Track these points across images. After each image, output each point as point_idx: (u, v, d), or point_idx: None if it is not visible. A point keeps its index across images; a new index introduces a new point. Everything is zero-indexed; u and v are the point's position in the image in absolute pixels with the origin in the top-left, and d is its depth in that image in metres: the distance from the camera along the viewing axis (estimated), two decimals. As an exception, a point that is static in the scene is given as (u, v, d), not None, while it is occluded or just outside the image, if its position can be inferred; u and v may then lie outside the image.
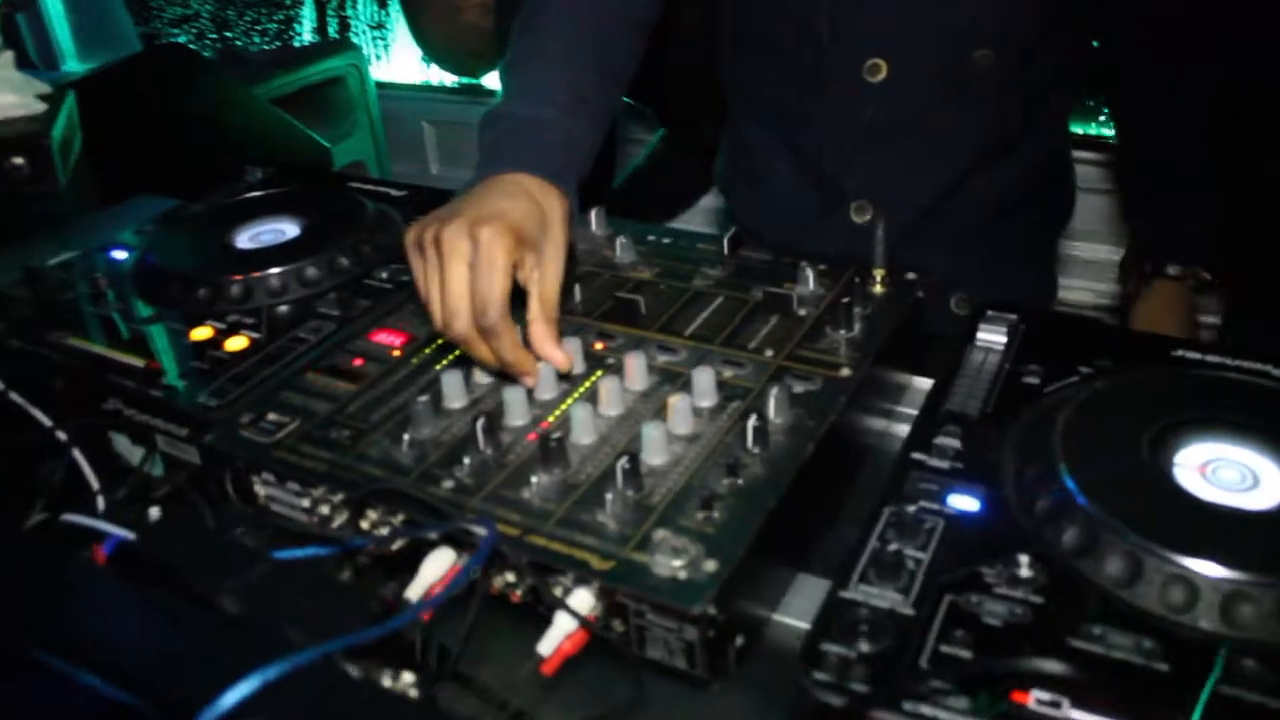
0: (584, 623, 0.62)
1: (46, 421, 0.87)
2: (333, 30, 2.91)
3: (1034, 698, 0.52)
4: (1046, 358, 0.79)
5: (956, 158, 1.16)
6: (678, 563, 0.62)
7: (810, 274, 0.91)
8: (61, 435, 0.86)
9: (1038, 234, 1.28)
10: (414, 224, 0.84)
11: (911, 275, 0.92)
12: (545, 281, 0.81)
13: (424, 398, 0.78)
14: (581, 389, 0.81)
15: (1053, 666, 0.53)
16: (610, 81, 1.07)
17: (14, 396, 0.88)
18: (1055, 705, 0.52)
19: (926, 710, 0.52)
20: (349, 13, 2.88)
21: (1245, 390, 0.73)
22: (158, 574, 0.56)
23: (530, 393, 0.79)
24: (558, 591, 0.64)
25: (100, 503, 0.79)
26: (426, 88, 2.88)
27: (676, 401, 0.75)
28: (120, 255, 1.11)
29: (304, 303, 0.97)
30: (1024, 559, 0.59)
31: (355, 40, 2.85)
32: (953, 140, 1.15)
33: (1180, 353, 0.79)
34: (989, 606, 0.57)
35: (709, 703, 0.64)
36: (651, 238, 1.03)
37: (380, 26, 2.87)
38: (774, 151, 1.27)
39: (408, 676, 0.55)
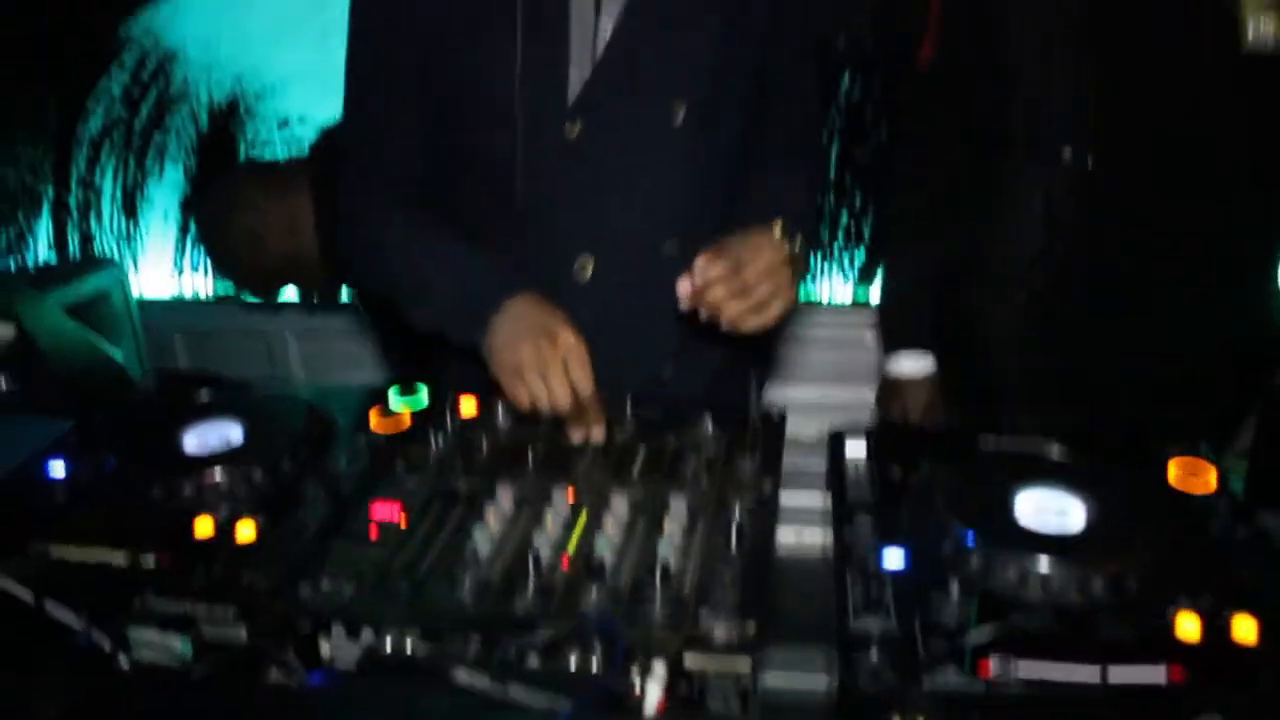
0: (670, 686, 0.83)
1: (78, 625, 0.95)
2: (74, 246, 2.90)
3: (993, 663, 0.81)
4: (896, 457, 1.11)
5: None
6: (728, 628, 0.85)
7: (709, 422, 1.19)
8: (104, 641, 0.94)
9: None
10: (503, 349, 1.19)
11: (779, 413, 1.23)
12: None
13: (470, 547, 0.96)
14: (579, 527, 1.02)
15: (989, 633, 0.82)
16: None
17: (49, 607, 0.95)
18: (1007, 662, 0.81)
19: (939, 679, 0.78)
20: (92, 228, 2.88)
21: (1042, 461, 1.09)
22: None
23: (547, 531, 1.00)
24: (635, 670, 0.85)
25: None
26: (179, 301, 2.92)
27: (669, 524, 0.99)
28: (59, 468, 1.17)
29: (288, 489, 1.11)
30: (954, 583, 0.89)
31: (100, 254, 2.87)
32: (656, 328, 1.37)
33: (981, 440, 1.14)
34: (944, 616, 0.86)
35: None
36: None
37: (127, 239, 2.90)
38: None
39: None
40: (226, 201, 2.06)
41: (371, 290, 1.39)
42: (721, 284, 1.16)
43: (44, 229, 2.94)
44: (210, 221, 2.10)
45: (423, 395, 1.33)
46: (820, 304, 2.75)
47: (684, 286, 1.18)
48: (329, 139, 2.06)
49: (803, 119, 1.47)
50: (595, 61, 1.29)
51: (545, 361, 1.16)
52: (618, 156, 1.32)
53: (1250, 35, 1.38)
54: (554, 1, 1.28)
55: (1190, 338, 1.61)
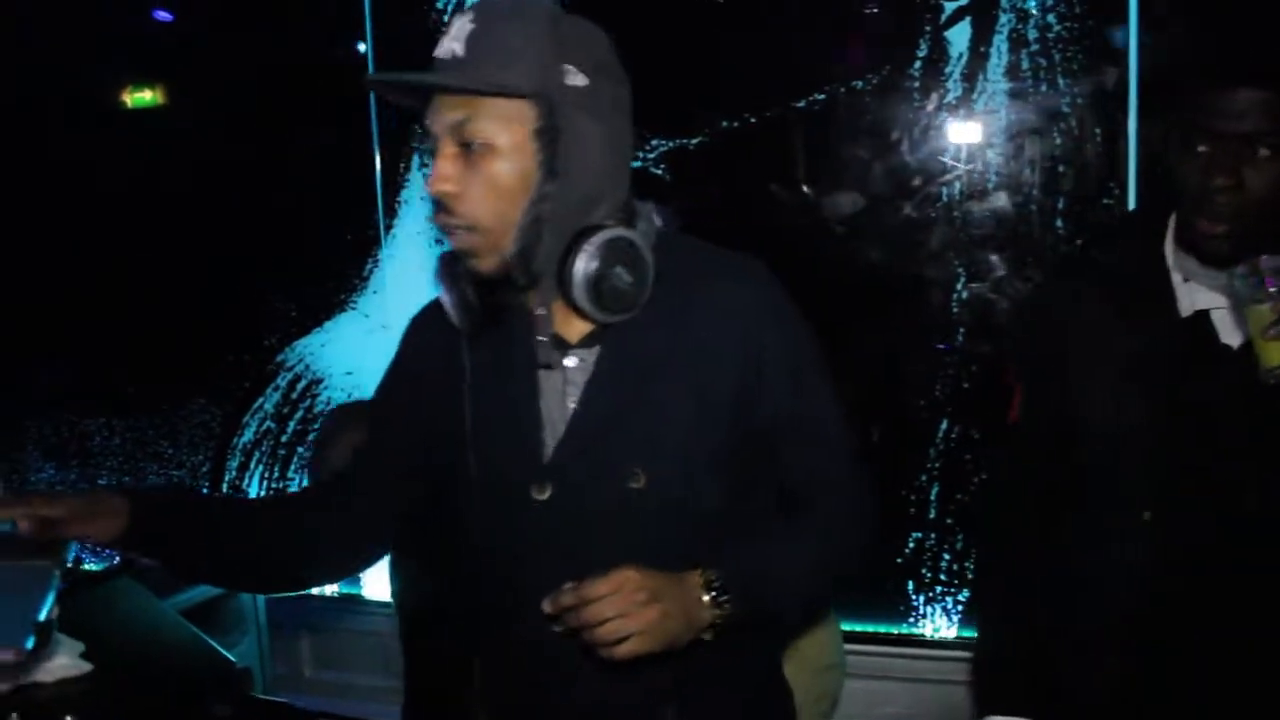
0: None
1: None
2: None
3: None
4: None
5: None
6: None
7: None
8: None
9: None
10: None
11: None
12: None
13: None
14: None
15: None
16: None
17: None
18: None
19: None
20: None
21: None
22: None
23: None
24: None
25: None
26: (307, 597, 3.10)
27: None
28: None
29: None
30: None
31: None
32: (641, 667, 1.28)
33: None
34: None
35: None
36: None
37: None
38: None
39: None
40: (336, 422, 2.17)
41: None
42: (573, 614, 1.15)
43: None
44: (320, 438, 2.21)
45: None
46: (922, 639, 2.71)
47: (545, 605, 1.18)
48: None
49: (809, 476, 1.39)
50: (566, 430, 1.33)
51: None
52: (583, 514, 1.33)
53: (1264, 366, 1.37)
54: (525, 378, 1.35)
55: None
